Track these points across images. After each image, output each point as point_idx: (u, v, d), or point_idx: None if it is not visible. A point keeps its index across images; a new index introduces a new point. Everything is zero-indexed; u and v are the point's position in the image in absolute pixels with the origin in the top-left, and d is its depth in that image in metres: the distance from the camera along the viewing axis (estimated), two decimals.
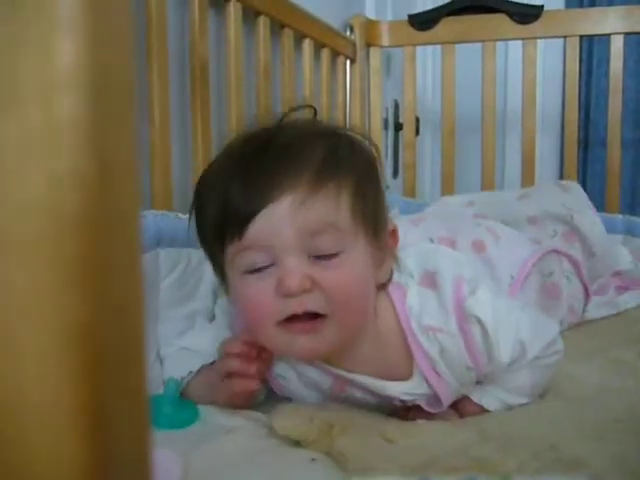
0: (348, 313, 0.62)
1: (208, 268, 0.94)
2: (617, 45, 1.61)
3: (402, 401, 0.72)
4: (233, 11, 1.14)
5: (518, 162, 1.71)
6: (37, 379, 0.19)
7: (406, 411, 0.73)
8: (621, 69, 1.61)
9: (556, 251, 1.08)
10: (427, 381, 0.69)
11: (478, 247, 1.00)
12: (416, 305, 0.69)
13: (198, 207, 0.67)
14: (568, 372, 0.81)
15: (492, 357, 0.68)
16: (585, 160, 2.16)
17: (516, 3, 1.69)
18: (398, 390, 0.70)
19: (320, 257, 0.61)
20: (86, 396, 0.20)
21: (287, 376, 0.73)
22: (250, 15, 1.23)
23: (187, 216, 0.93)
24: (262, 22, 1.25)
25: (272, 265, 0.61)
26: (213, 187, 0.64)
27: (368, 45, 1.78)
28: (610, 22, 1.61)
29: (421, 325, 0.68)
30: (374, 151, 0.71)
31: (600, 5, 2.05)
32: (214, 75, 1.12)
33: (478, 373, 0.70)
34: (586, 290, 1.10)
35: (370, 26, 1.78)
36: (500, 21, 1.68)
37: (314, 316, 0.61)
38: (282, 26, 1.35)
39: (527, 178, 1.68)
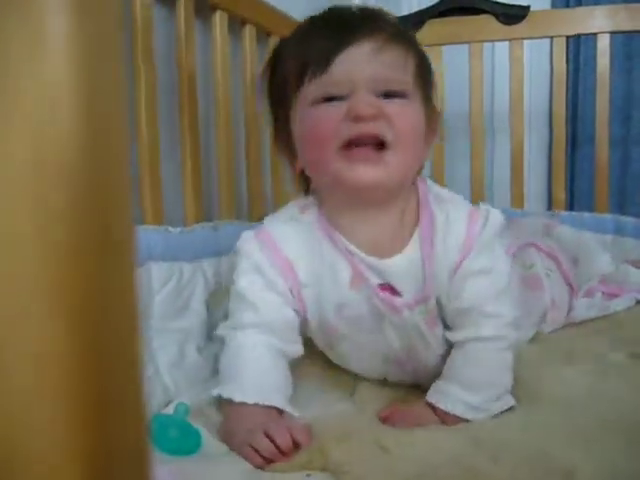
0: (407, 147, 0.70)
1: (200, 281, 0.94)
2: (603, 43, 1.62)
3: (393, 291, 0.74)
4: (219, 21, 1.14)
5: (507, 161, 1.71)
6: (28, 400, 0.19)
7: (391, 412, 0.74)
8: (608, 68, 1.62)
9: (535, 245, 1.10)
10: (421, 250, 0.74)
11: None
12: (436, 188, 0.78)
13: (274, 62, 0.76)
14: (558, 374, 0.81)
15: (470, 252, 0.73)
16: (573, 159, 2.16)
17: (502, 4, 1.69)
18: (396, 264, 0.74)
19: (388, 97, 0.69)
20: (82, 414, 0.20)
21: (310, 284, 0.76)
22: (236, 24, 1.23)
23: (178, 229, 0.94)
24: (248, 31, 1.25)
25: (345, 98, 0.68)
26: (295, 40, 0.74)
27: None
28: (596, 21, 1.61)
29: (437, 197, 0.77)
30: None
31: (586, 4, 2.05)
32: (201, 85, 1.12)
33: (458, 267, 0.73)
34: (570, 286, 1.11)
35: None
36: (486, 22, 1.68)
37: (376, 148, 0.68)
38: (268, 34, 1.35)
39: (516, 177, 1.68)
